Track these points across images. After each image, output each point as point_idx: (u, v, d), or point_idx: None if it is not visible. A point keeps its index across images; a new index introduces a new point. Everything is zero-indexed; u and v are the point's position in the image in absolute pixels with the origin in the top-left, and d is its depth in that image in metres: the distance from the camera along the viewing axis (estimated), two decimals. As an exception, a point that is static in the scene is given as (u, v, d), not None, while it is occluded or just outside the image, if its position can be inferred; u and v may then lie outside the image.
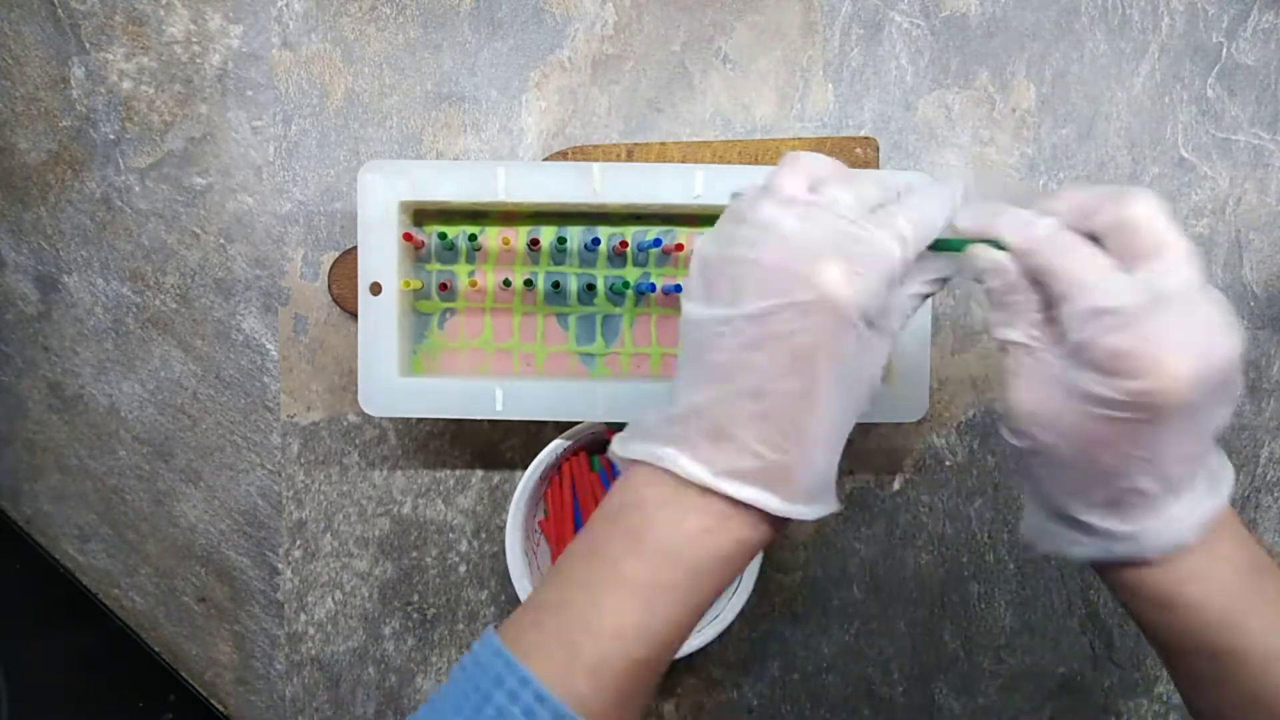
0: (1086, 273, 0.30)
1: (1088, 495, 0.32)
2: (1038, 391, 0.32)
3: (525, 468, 0.57)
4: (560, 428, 0.57)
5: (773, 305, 0.30)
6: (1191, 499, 0.32)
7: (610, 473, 0.54)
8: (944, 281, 0.35)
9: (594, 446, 0.54)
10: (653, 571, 0.31)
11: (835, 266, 0.30)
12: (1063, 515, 0.33)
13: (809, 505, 0.33)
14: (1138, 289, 0.30)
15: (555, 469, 0.53)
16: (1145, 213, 0.31)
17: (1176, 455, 0.31)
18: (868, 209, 0.32)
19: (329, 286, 0.56)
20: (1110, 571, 0.34)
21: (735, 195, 0.34)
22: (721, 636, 0.51)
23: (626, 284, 0.52)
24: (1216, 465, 0.33)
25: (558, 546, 0.54)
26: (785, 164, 0.34)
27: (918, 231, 0.32)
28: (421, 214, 0.51)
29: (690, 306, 0.33)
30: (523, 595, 0.51)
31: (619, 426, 0.53)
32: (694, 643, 0.51)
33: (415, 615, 0.57)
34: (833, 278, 0.30)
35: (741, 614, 0.51)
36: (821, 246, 0.30)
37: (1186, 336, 0.29)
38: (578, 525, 0.53)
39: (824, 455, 0.33)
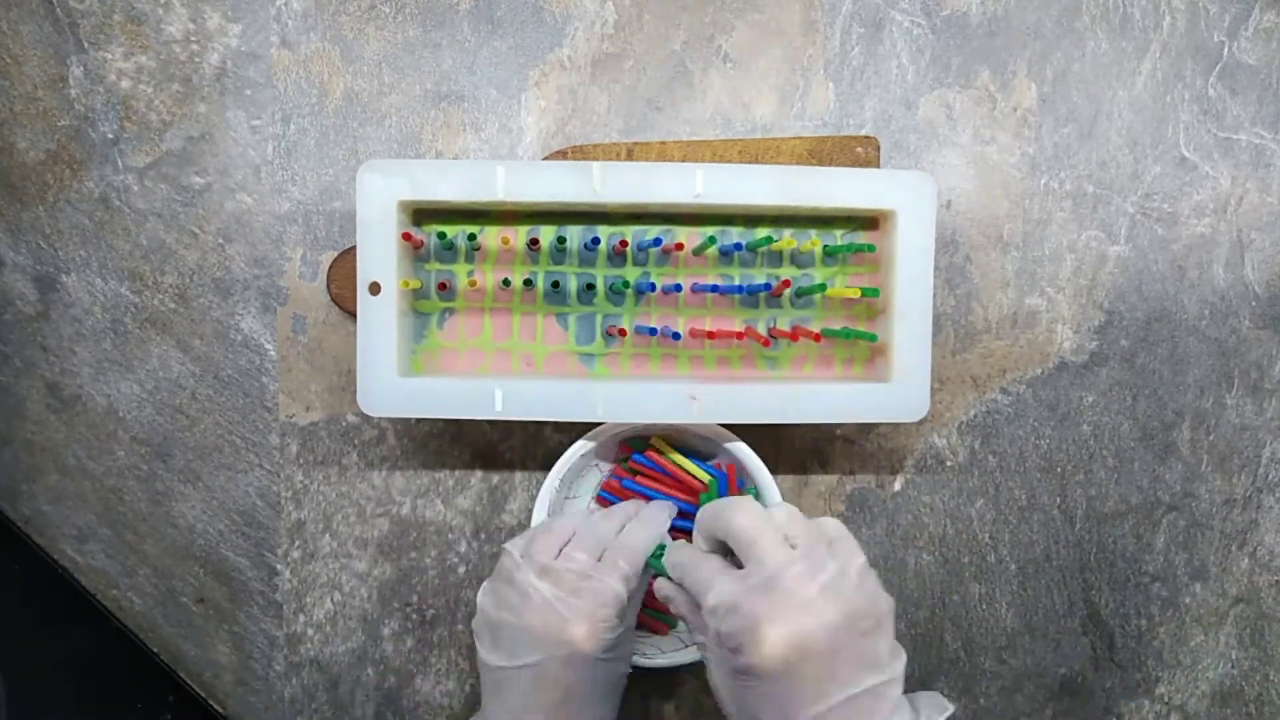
0: (702, 580, 0.41)
1: None
2: (716, 676, 0.41)
3: (525, 468, 0.57)
4: (560, 428, 0.57)
5: (542, 660, 0.42)
6: None
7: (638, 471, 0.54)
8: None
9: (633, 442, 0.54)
10: None
11: (581, 627, 0.42)
12: None
13: None
14: (739, 583, 0.39)
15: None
16: (737, 521, 0.41)
17: (816, 713, 0.37)
18: (596, 558, 0.44)
19: (328, 286, 0.56)
20: None
21: (506, 552, 0.45)
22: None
23: (626, 283, 0.51)
24: (909, 717, 0.39)
25: None
26: (540, 533, 0.45)
27: (634, 565, 0.44)
28: (421, 213, 0.51)
29: (484, 653, 0.44)
30: None
31: (636, 443, 0.53)
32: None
33: (414, 616, 0.57)
34: (580, 636, 0.42)
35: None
36: (569, 608, 0.42)
37: (775, 615, 0.37)
38: None
39: None
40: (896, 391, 0.50)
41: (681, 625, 0.54)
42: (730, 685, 0.40)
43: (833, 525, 0.42)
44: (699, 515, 0.44)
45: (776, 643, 0.37)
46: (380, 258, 0.49)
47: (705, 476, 0.51)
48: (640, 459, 0.52)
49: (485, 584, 0.46)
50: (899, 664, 0.40)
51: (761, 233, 0.52)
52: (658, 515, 0.48)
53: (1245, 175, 0.58)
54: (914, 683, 0.58)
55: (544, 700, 0.42)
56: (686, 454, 0.53)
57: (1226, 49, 0.58)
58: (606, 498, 0.53)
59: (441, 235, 0.51)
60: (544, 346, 0.53)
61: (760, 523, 0.40)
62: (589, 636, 0.42)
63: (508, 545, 0.46)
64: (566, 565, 0.43)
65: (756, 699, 0.39)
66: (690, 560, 0.43)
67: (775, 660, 0.37)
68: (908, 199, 0.50)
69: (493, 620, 0.44)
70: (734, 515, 0.41)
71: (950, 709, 0.40)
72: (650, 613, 0.54)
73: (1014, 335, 0.58)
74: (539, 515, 0.51)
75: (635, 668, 0.50)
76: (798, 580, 0.38)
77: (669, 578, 0.45)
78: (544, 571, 0.43)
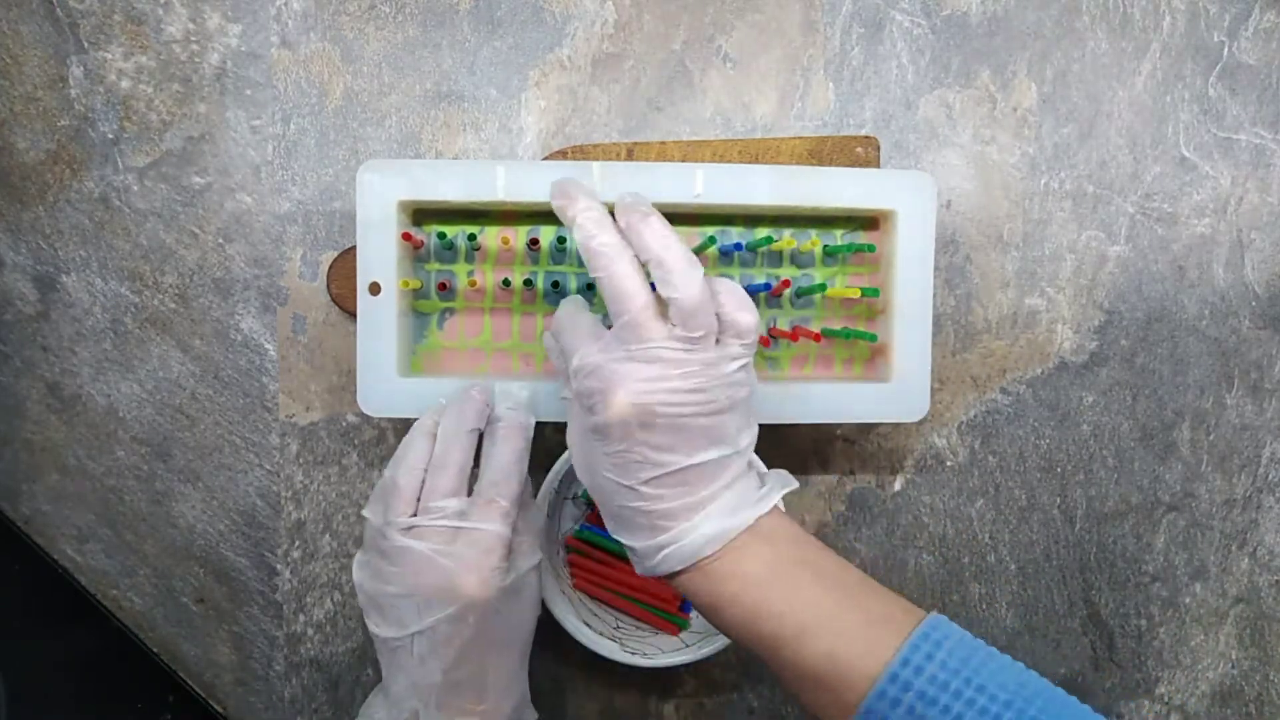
0: (571, 342, 0.40)
1: (624, 526, 0.40)
2: (573, 433, 0.41)
3: (525, 468, 0.57)
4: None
5: (432, 622, 0.40)
6: (706, 521, 0.38)
7: None
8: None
9: None
10: None
11: (467, 577, 0.40)
12: (627, 547, 0.40)
13: None
14: (604, 353, 0.39)
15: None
16: (618, 272, 0.39)
17: (654, 476, 0.38)
18: (465, 491, 0.42)
19: (328, 286, 0.56)
20: (674, 584, 0.40)
21: (366, 520, 0.44)
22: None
23: (626, 284, 0.51)
24: (751, 488, 0.40)
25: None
26: (391, 491, 0.43)
27: (510, 495, 0.43)
28: (421, 213, 0.51)
29: (373, 627, 0.43)
30: (545, 592, 0.51)
31: None
32: (704, 650, 0.51)
33: (414, 616, 0.57)
34: (468, 586, 0.40)
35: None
36: (450, 559, 0.40)
37: (629, 380, 0.37)
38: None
39: (511, 692, 0.43)
40: (896, 391, 0.50)
41: (691, 624, 0.54)
42: (583, 444, 0.40)
43: (745, 317, 0.40)
44: (561, 307, 0.43)
45: (624, 404, 0.37)
46: (380, 258, 0.49)
47: None
48: None
49: (357, 557, 0.44)
50: (745, 439, 0.40)
51: (761, 233, 0.52)
52: (517, 422, 0.46)
53: (1245, 175, 0.58)
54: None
55: (441, 663, 0.41)
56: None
57: (1226, 49, 0.58)
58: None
59: (441, 235, 0.51)
60: (544, 347, 0.53)
61: (628, 278, 0.39)
62: (479, 585, 0.40)
63: (365, 512, 0.44)
64: (434, 521, 0.41)
65: (603, 458, 0.39)
66: (569, 320, 0.42)
67: (621, 421, 0.37)
68: (908, 199, 0.50)
69: (371, 592, 0.42)
70: (609, 265, 0.39)
71: (794, 484, 0.41)
72: (657, 612, 0.54)
73: (1014, 335, 0.58)
74: (393, 461, 0.50)
75: (636, 668, 0.50)
76: (662, 353, 0.38)
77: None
78: (409, 531, 0.42)
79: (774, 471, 0.42)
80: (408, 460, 0.44)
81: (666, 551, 0.38)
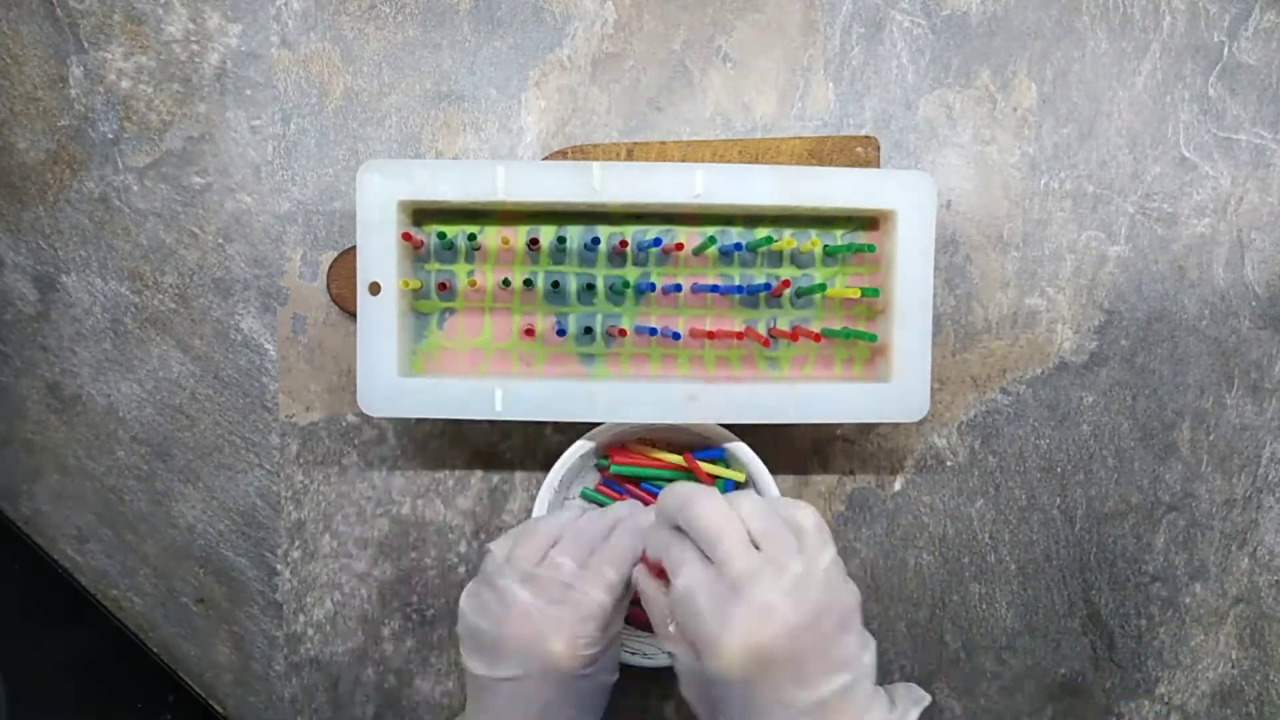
0: (675, 559, 0.39)
1: None
2: (682, 674, 0.40)
3: (525, 468, 0.57)
4: (560, 428, 0.57)
5: (520, 674, 0.41)
6: None
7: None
8: None
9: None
10: None
11: (560, 643, 0.40)
12: None
13: None
14: (707, 579, 0.38)
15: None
16: (701, 514, 0.39)
17: (783, 717, 0.36)
18: (582, 565, 0.42)
19: (328, 286, 0.56)
20: None
21: (488, 552, 0.44)
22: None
23: (626, 283, 0.51)
24: (880, 712, 0.38)
25: None
26: (525, 535, 0.44)
27: (621, 572, 0.43)
28: (421, 213, 0.51)
29: (465, 658, 0.43)
30: None
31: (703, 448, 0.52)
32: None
33: (414, 616, 0.57)
34: (558, 651, 0.40)
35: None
36: (548, 620, 0.41)
37: (736, 623, 0.36)
38: None
39: None
40: (896, 391, 0.50)
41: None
42: (696, 689, 0.40)
43: (806, 516, 0.40)
44: (661, 496, 0.42)
45: (737, 652, 0.36)
46: (380, 258, 0.49)
47: (677, 457, 0.52)
48: (613, 476, 0.53)
49: (469, 585, 0.45)
50: (868, 656, 0.39)
51: (761, 233, 0.52)
52: (636, 521, 0.46)
53: (1245, 175, 0.58)
54: (915, 682, 0.58)
55: (523, 713, 0.41)
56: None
57: (1226, 49, 0.58)
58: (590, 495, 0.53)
59: (441, 235, 0.51)
60: (544, 346, 0.53)
61: (724, 518, 0.39)
62: (568, 652, 0.40)
63: (492, 546, 0.45)
64: (550, 572, 0.42)
65: (723, 706, 0.38)
66: (666, 543, 0.41)
67: (736, 669, 0.36)
68: (908, 199, 0.50)
69: (472, 626, 0.43)
70: (697, 507, 0.39)
71: (927, 700, 0.40)
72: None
73: (1014, 335, 0.58)
74: (538, 515, 0.51)
75: (635, 668, 0.50)
76: (760, 587, 0.37)
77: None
78: (527, 578, 0.42)
79: (900, 686, 0.41)
80: (555, 518, 0.45)
81: None
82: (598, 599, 0.41)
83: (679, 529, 0.41)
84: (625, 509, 0.47)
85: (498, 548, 0.44)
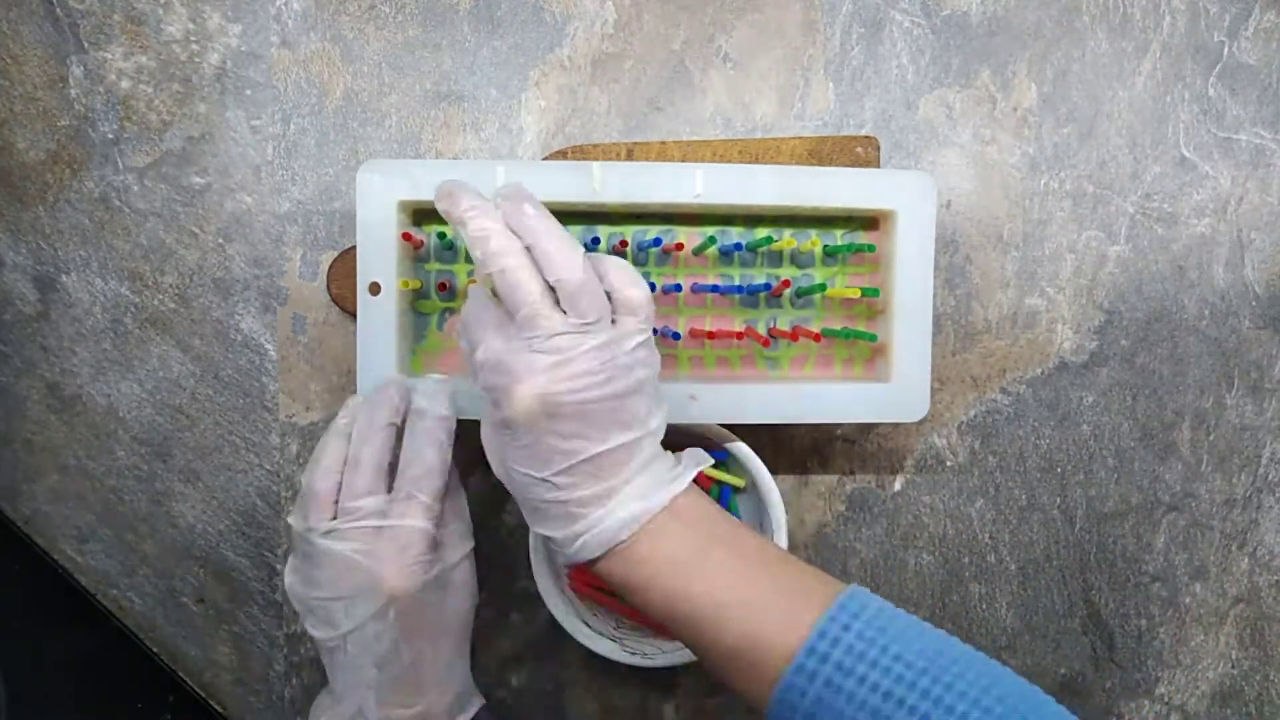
0: (476, 334, 0.40)
1: (541, 518, 0.40)
2: (484, 428, 0.41)
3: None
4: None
5: (360, 621, 0.41)
6: (621, 505, 0.38)
7: None
8: None
9: None
10: None
11: (388, 573, 0.40)
12: (546, 538, 0.40)
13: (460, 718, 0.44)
14: (505, 342, 0.39)
15: None
16: (505, 274, 0.39)
17: (566, 465, 0.38)
18: (385, 489, 0.42)
19: (328, 286, 0.56)
20: (591, 571, 0.40)
21: (289, 527, 0.44)
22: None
23: (626, 284, 0.51)
24: (664, 469, 0.40)
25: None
26: (310, 496, 0.42)
27: (433, 492, 0.42)
28: (421, 213, 0.51)
29: (310, 630, 0.43)
30: (544, 593, 0.51)
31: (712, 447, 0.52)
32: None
33: (414, 616, 0.57)
34: (389, 581, 0.40)
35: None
36: (370, 558, 0.40)
37: (531, 372, 0.37)
38: None
39: (449, 683, 0.43)
40: (896, 391, 0.50)
41: None
42: (494, 439, 0.41)
43: (636, 292, 0.40)
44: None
45: (527, 397, 0.37)
46: (380, 258, 0.49)
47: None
48: None
49: (288, 563, 0.44)
50: (656, 420, 0.40)
51: (761, 233, 0.52)
52: (435, 414, 0.44)
53: (1245, 175, 0.58)
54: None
55: (371, 659, 0.41)
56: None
57: (1226, 49, 0.58)
58: None
59: (441, 235, 0.51)
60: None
61: (523, 272, 0.39)
62: (399, 578, 0.40)
63: (290, 519, 0.44)
64: (351, 520, 0.41)
65: (513, 451, 0.39)
66: (474, 314, 0.41)
67: (527, 414, 0.38)
68: (908, 199, 0.50)
69: (302, 597, 0.43)
70: (501, 260, 0.39)
71: (709, 461, 0.42)
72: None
73: (1014, 335, 0.58)
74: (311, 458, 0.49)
75: (635, 668, 0.50)
76: (559, 341, 0.38)
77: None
78: (331, 533, 0.41)
79: (688, 451, 0.42)
80: (322, 463, 0.43)
81: (583, 539, 0.38)
82: (415, 527, 0.41)
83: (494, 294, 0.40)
84: (389, 400, 0.44)
85: (294, 519, 0.43)
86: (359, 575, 0.41)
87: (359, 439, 0.43)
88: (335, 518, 0.42)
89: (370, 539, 0.41)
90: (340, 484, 0.43)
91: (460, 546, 0.45)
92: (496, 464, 0.41)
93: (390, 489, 0.43)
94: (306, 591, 0.42)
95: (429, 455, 0.43)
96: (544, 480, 0.39)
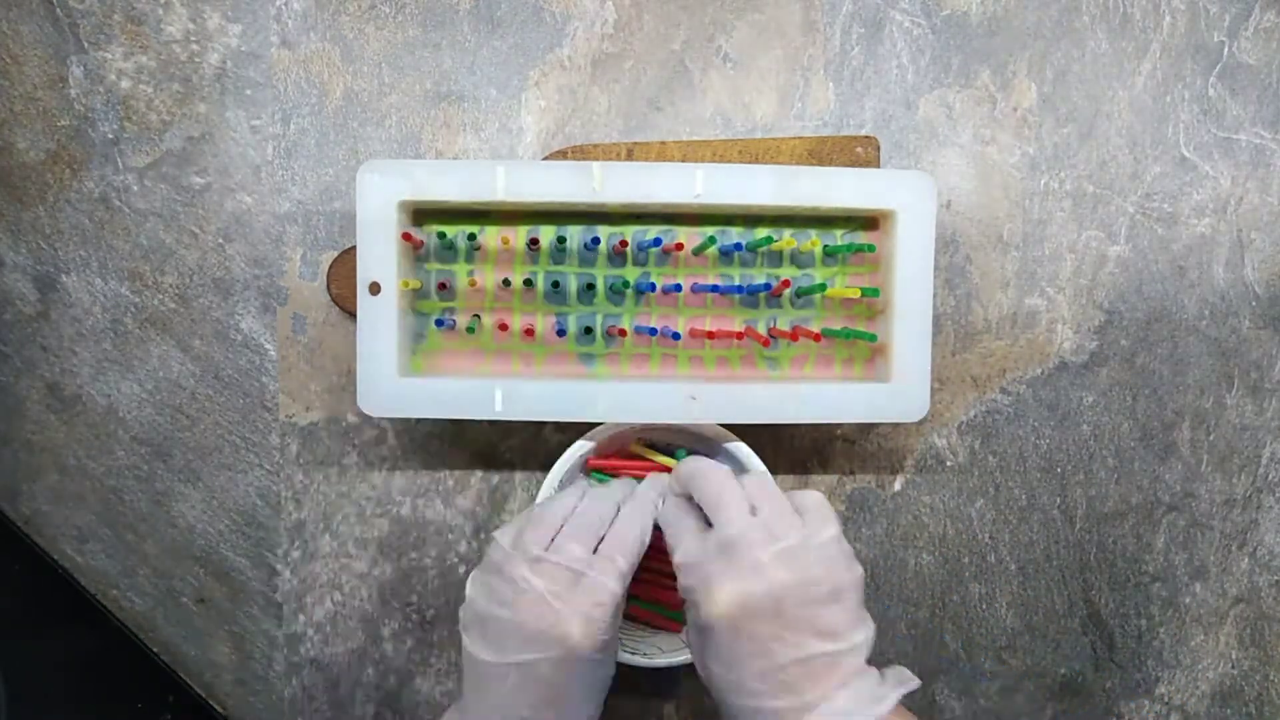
0: (674, 536, 0.43)
1: None
2: (688, 630, 0.43)
3: (525, 468, 0.57)
4: (560, 428, 0.57)
5: (533, 659, 0.41)
6: (831, 713, 0.38)
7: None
8: None
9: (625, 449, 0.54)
10: None
11: (575, 626, 0.40)
12: None
13: None
14: (701, 542, 0.41)
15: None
16: (707, 484, 0.43)
17: (760, 670, 0.39)
18: (591, 549, 0.43)
19: (328, 286, 0.56)
20: None
21: (495, 542, 0.44)
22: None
23: (626, 283, 0.51)
24: (868, 688, 0.39)
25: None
26: (531, 523, 0.44)
27: (630, 560, 0.43)
28: (421, 213, 0.51)
29: (470, 646, 0.43)
30: None
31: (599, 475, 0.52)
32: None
33: (414, 616, 0.57)
34: (575, 636, 0.40)
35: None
36: (564, 605, 0.41)
37: (726, 574, 0.39)
38: None
39: None
40: (896, 391, 0.50)
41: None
42: (694, 639, 0.42)
43: (810, 497, 0.43)
44: (676, 469, 0.46)
45: (724, 600, 0.39)
46: (380, 258, 0.49)
47: (670, 460, 0.52)
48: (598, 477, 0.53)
49: (474, 573, 0.44)
50: (860, 635, 0.40)
51: (761, 233, 0.52)
52: (649, 496, 0.47)
53: (1245, 175, 0.58)
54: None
55: (531, 699, 0.41)
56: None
57: (1226, 49, 0.58)
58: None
59: (441, 235, 0.51)
60: (544, 346, 0.53)
61: (728, 487, 0.42)
62: (584, 636, 0.40)
63: (497, 535, 0.44)
64: (559, 559, 0.42)
65: (711, 653, 0.40)
66: (671, 516, 0.44)
67: (723, 617, 0.39)
68: (908, 199, 0.50)
69: (482, 612, 0.42)
70: (705, 476, 0.43)
71: (915, 683, 0.40)
72: (656, 609, 0.54)
73: (1014, 335, 0.58)
74: (542, 500, 0.51)
75: (635, 668, 0.50)
76: (753, 544, 0.40)
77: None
78: (536, 564, 0.42)
79: (892, 669, 0.41)
80: (558, 504, 0.45)
81: None
82: (609, 587, 0.42)
83: (689, 500, 0.44)
84: (625, 488, 0.47)
85: (503, 535, 0.44)
86: (546, 616, 0.41)
87: (594, 500, 0.46)
88: (544, 553, 0.43)
89: (569, 585, 0.41)
90: (558, 531, 0.44)
91: (620, 612, 0.45)
92: (698, 664, 0.42)
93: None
94: (489, 608, 0.42)
95: (637, 525, 0.45)
96: (738, 682, 0.39)
